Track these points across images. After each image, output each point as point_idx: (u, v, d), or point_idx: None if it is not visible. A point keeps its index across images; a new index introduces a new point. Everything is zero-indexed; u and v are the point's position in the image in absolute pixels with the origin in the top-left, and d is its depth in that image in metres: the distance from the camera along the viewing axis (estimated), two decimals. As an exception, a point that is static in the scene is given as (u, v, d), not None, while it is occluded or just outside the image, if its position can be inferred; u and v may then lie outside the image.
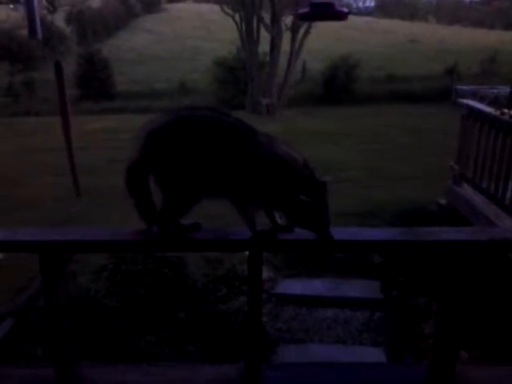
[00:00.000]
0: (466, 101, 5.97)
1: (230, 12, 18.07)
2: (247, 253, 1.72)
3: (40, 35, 6.32)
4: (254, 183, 1.55)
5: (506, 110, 4.92)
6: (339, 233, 1.67)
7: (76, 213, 6.17)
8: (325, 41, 23.79)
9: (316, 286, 4.79)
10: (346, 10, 2.18)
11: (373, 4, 46.94)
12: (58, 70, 6.69)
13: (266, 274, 4.67)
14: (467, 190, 5.47)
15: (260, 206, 1.63)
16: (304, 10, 2.18)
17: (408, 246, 1.86)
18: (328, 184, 1.56)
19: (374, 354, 3.89)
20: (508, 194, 4.62)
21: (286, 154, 1.56)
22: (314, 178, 1.55)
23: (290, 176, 1.53)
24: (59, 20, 25.51)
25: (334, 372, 2.01)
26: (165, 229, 1.63)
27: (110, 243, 1.78)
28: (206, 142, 1.52)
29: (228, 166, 1.54)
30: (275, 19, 17.05)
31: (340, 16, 2.15)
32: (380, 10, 41.75)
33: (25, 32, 19.48)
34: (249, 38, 17.24)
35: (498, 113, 4.95)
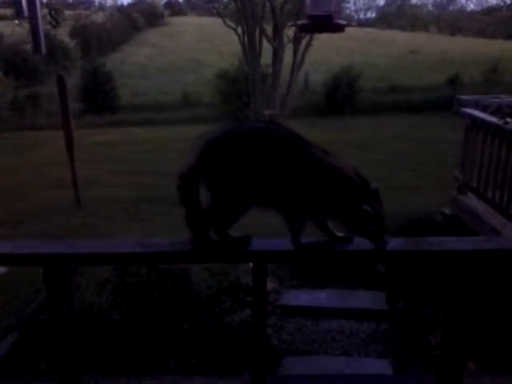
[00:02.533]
0: (468, 110, 5.97)
1: (232, 25, 18.25)
2: (251, 264, 1.71)
3: (44, 50, 6.36)
4: (312, 195, 1.55)
5: (509, 119, 4.92)
6: (344, 244, 1.68)
7: (78, 225, 6.19)
8: (327, 52, 23.92)
9: (321, 297, 4.76)
10: (343, 22, 2.20)
11: (373, 15, 47.29)
12: (61, 84, 6.73)
13: (270, 285, 4.65)
14: (472, 200, 5.45)
15: (315, 219, 1.63)
16: (303, 21, 2.21)
17: (413, 256, 1.85)
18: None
19: (380, 366, 3.85)
20: (513, 203, 4.61)
21: (341, 165, 1.57)
22: (368, 187, 1.57)
23: (348, 186, 1.55)
24: (63, 34, 25.76)
25: (340, 384, 1.99)
26: (202, 235, 1.62)
27: (114, 255, 1.78)
28: (263, 154, 1.53)
29: (284, 178, 1.54)
30: (277, 31, 17.18)
31: (337, 28, 2.18)
32: (381, 21, 41.97)
33: (29, 47, 19.67)
34: (251, 51, 17.36)
35: (501, 122, 4.95)
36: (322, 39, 18.10)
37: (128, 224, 5.96)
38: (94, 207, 6.87)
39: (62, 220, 6.42)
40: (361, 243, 1.62)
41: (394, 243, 1.82)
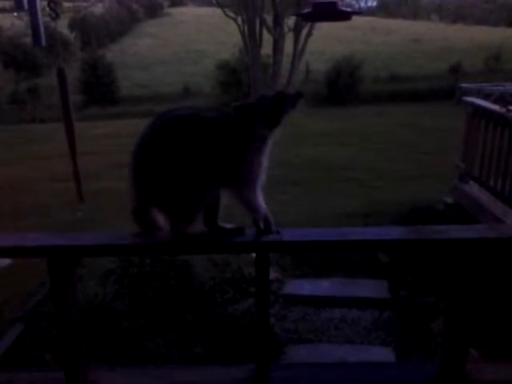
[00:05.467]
0: (470, 99, 5.95)
1: (232, 15, 18.14)
2: (254, 254, 1.72)
3: (44, 42, 6.33)
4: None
5: (511, 107, 4.90)
6: (345, 232, 1.68)
7: (80, 218, 6.20)
8: (327, 41, 23.80)
9: (323, 287, 4.78)
10: (349, 9, 2.18)
11: (375, 4, 46.92)
12: (61, 76, 6.68)
13: (273, 275, 4.66)
14: (474, 188, 5.45)
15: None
16: (307, 10, 2.18)
17: (416, 244, 1.85)
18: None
19: (382, 354, 3.88)
20: (515, 191, 4.60)
21: None
22: None
23: None
24: (62, 27, 25.61)
25: (342, 372, 2.01)
26: (178, 233, 1.65)
27: (116, 247, 1.78)
28: (180, 150, 1.55)
29: (212, 154, 1.57)
30: (277, 21, 17.08)
31: (344, 16, 2.14)
32: (382, 10, 41.67)
33: (29, 39, 19.57)
34: (251, 41, 17.27)
35: (503, 110, 4.93)
36: (323, 28, 18.01)
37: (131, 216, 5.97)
38: (96, 200, 6.87)
39: (64, 213, 6.44)
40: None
41: (397, 232, 1.83)
